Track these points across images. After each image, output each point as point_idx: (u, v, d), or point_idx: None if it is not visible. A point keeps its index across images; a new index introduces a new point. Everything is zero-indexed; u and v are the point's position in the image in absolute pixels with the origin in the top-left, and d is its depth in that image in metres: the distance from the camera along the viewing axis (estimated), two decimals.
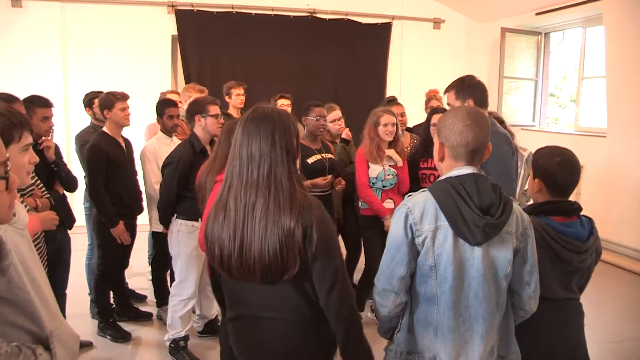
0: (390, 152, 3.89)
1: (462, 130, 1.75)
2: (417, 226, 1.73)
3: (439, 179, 1.83)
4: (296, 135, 1.82)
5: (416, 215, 1.73)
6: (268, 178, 1.73)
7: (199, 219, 3.38)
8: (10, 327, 1.39)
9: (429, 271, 1.75)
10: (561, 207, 2.15)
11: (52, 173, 3.40)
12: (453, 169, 1.79)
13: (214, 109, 3.48)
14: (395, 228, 1.77)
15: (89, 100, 4.50)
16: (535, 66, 7.45)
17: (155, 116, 4.27)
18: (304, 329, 1.85)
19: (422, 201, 1.76)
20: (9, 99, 2.90)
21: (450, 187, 1.73)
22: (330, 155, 3.99)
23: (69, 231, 3.43)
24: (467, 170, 1.77)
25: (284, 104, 5.08)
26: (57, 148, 3.49)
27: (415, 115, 5.43)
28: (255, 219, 1.72)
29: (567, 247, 2.08)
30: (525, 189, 3.94)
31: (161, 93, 5.11)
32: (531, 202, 2.31)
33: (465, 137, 1.75)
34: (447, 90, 3.09)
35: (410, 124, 4.94)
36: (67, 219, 3.37)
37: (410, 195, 1.83)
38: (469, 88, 2.98)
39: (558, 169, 2.11)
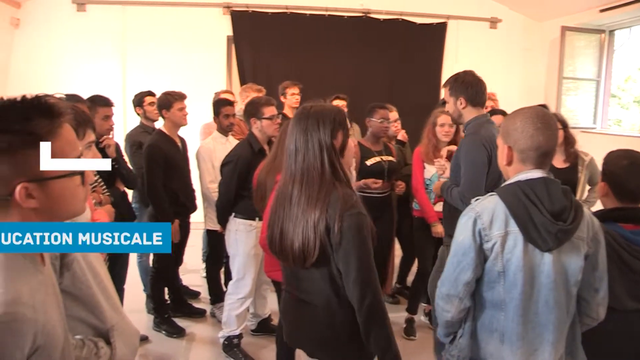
0: (452, 147, 3.80)
1: (533, 133, 1.69)
2: (486, 231, 1.68)
3: (507, 183, 1.77)
4: (336, 129, 1.88)
5: (485, 220, 1.69)
6: (302, 171, 1.85)
7: (257, 218, 3.40)
8: (73, 321, 1.43)
9: (497, 277, 1.70)
10: (630, 213, 2.05)
11: (113, 170, 3.48)
12: (521, 173, 1.73)
13: (269, 111, 3.46)
14: (462, 233, 1.73)
15: (138, 100, 4.55)
16: (597, 66, 7.15)
17: (212, 116, 4.33)
18: (333, 317, 1.90)
19: (491, 206, 1.71)
20: (76, 99, 2.99)
21: (520, 192, 1.67)
22: (391, 158, 3.95)
23: None
24: (537, 174, 1.71)
25: (339, 104, 5.06)
26: (117, 146, 3.58)
27: None
28: (292, 209, 1.86)
29: (638, 256, 1.98)
30: (584, 198, 3.78)
31: (215, 93, 5.17)
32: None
33: (537, 140, 1.69)
34: (444, 85, 3.08)
35: None
36: (129, 215, 3.45)
37: (477, 199, 1.78)
38: (461, 85, 2.96)
39: (624, 172, 2.03)
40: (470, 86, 2.97)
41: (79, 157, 1.19)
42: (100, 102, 3.44)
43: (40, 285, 1.13)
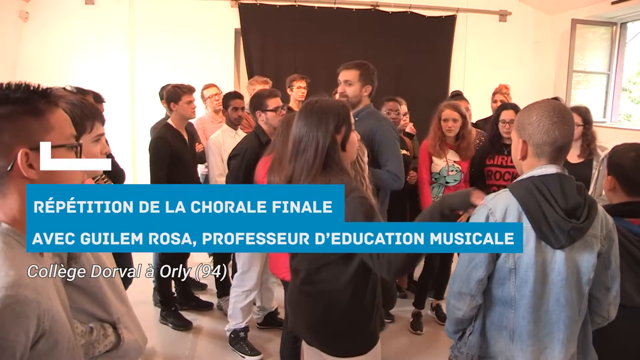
0: (449, 152, 3.82)
1: (549, 127, 1.65)
2: None
3: (520, 178, 1.74)
4: (340, 124, 1.92)
5: (498, 217, 1.66)
6: (301, 165, 1.91)
7: None
8: (81, 314, 1.45)
9: (508, 274, 1.68)
10: (637, 208, 2.03)
11: None
12: (535, 168, 1.70)
13: (273, 102, 3.47)
14: None
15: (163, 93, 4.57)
16: (607, 59, 7.08)
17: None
18: (332, 307, 1.94)
19: (504, 202, 1.68)
20: (83, 92, 2.99)
21: (533, 188, 1.65)
22: (404, 151, 3.94)
23: None
24: (551, 169, 1.68)
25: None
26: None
27: (480, 111, 5.28)
28: None
29: None
30: (601, 195, 3.72)
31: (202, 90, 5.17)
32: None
33: (553, 135, 1.65)
34: (348, 67, 3.22)
35: (475, 119, 4.81)
36: None
37: (490, 196, 1.75)
38: (372, 76, 3.21)
39: (632, 164, 2.00)
40: (375, 78, 3.24)
41: (74, 135, 1.23)
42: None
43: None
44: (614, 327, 1.91)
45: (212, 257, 4.64)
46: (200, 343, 3.86)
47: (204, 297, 4.51)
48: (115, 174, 3.55)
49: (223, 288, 4.28)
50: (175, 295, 4.24)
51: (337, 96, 3.12)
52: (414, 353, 3.74)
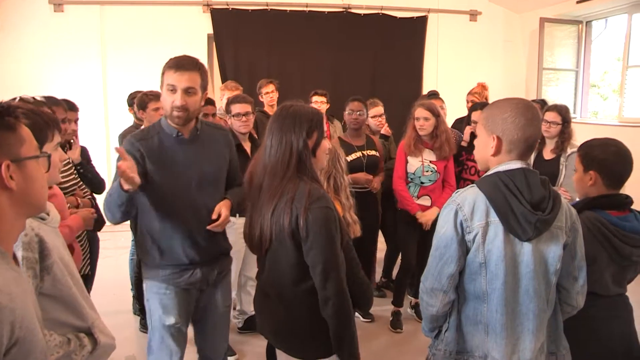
0: (425, 151, 3.85)
1: (525, 124, 1.68)
2: (468, 222, 1.69)
3: (486, 174, 1.77)
4: (312, 130, 1.94)
5: (466, 212, 1.69)
6: (271, 165, 1.93)
7: (237, 215, 3.39)
8: (56, 324, 1.45)
9: (479, 268, 1.71)
10: (615, 200, 2.10)
11: (79, 175, 3.35)
12: (501, 164, 1.73)
13: (235, 108, 3.61)
14: (444, 225, 1.73)
15: (132, 100, 4.53)
16: (575, 56, 7.24)
17: None
18: (290, 310, 1.95)
19: (471, 197, 1.71)
20: (52, 101, 2.93)
21: (500, 182, 1.68)
22: (373, 152, 3.96)
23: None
24: (516, 164, 1.71)
25: (317, 100, 5.00)
26: (83, 150, 3.48)
27: (455, 109, 5.35)
28: (260, 199, 1.96)
29: (627, 241, 2.03)
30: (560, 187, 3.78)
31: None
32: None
33: (528, 131, 1.69)
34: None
35: (450, 118, 4.86)
36: (96, 221, 3.38)
37: (457, 192, 1.79)
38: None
39: (616, 158, 2.07)
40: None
41: (37, 146, 1.27)
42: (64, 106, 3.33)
43: (15, 281, 1.13)
44: (593, 315, 1.98)
45: None
46: None
47: None
48: (97, 184, 3.51)
49: None
50: None
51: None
52: (394, 351, 3.76)
